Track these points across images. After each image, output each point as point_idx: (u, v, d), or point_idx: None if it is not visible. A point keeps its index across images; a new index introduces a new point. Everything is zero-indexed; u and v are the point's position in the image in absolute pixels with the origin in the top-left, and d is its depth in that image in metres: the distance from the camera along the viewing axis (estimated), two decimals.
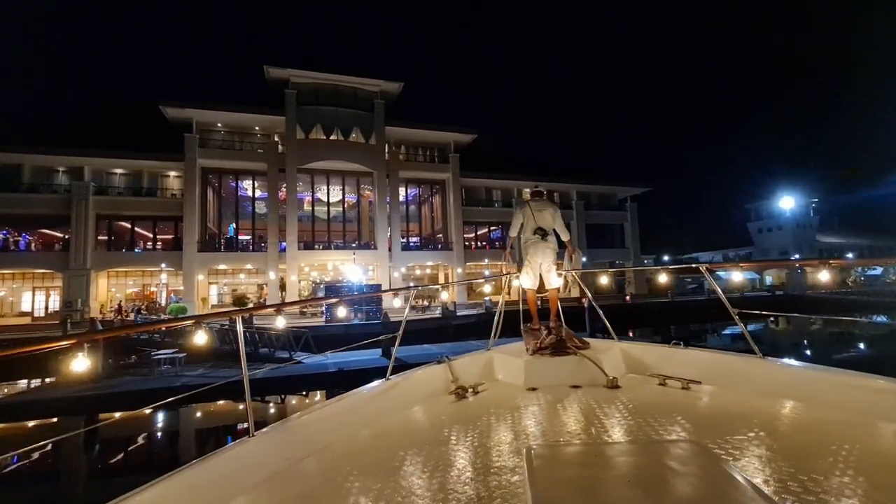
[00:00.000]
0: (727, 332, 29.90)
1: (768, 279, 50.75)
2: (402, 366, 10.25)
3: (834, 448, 1.96)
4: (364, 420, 2.77)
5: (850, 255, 45.54)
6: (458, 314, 26.09)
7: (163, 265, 27.87)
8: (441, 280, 37.20)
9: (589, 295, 4.91)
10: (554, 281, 4.51)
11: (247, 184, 32.43)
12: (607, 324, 4.47)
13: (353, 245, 33.11)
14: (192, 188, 28.50)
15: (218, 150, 30.34)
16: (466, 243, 36.66)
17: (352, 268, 27.40)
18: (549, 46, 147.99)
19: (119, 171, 29.69)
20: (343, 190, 33.51)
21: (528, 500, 1.44)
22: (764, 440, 2.13)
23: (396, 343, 3.56)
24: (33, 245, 28.88)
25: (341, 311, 21.40)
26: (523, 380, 3.51)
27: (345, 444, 2.45)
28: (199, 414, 11.53)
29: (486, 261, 36.85)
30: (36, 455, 8.41)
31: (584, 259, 5.41)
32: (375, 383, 3.23)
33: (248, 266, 31.09)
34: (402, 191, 35.41)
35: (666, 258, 50.70)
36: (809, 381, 2.76)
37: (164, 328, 15.64)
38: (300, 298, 29.87)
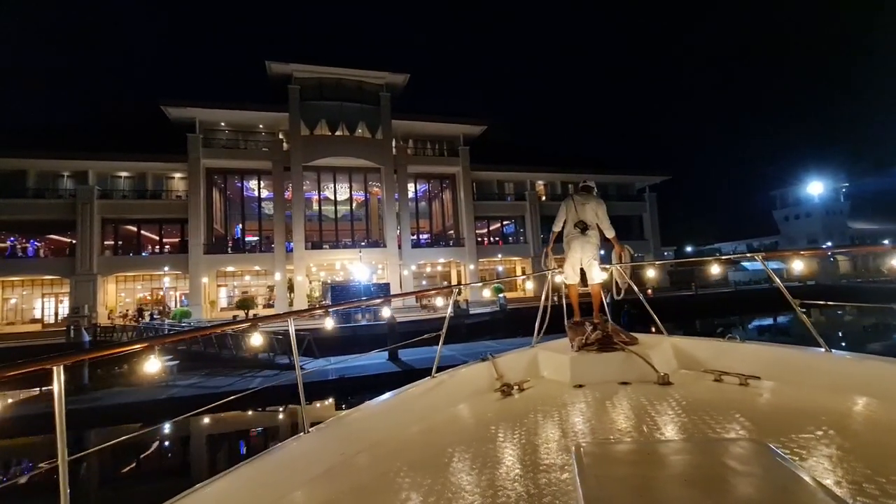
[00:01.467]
0: (754, 324, 28.37)
1: (796, 269, 48.37)
2: (409, 371, 9.37)
3: None
4: (413, 417, 2.81)
5: (885, 242, 43.06)
6: (471, 312, 25.04)
7: (165, 268, 27.38)
8: (454, 277, 36.15)
9: (637, 290, 4.57)
10: (596, 275, 4.37)
11: (252, 184, 31.79)
12: (656, 318, 4.22)
13: (363, 244, 32.25)
14: (196, 189, 27.92)
15: (222, 149, 29.72)
16: (479, 239, 35.52)
17: (358, 266, 26.45)
18: (563, 31, 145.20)
19: (123, 173, 29.30)
20: (350, 187, 32.62)
21: (579, 498, 1.37)
22: (834, 439, 2.01)
23: (441, 341, 3.49)
24: (41, 251, 28.75)
25: (346, 313, 20.50)
26: (569, 377, 3.45)
27: (395, 440, 2.50)
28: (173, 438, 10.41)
29: (500, 256, 35.70)
30: None
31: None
32: (422, 381, 3.22)
33: (256, 267, 30.49)
34: (410, 186, 34.44)
35: (689, 249, 48.75)
36: (883, 375, 2.56)
37: (220, 331, 15.09)
38: (309, 298, 29.20)
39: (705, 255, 44.10)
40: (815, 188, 50.02)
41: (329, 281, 31.93)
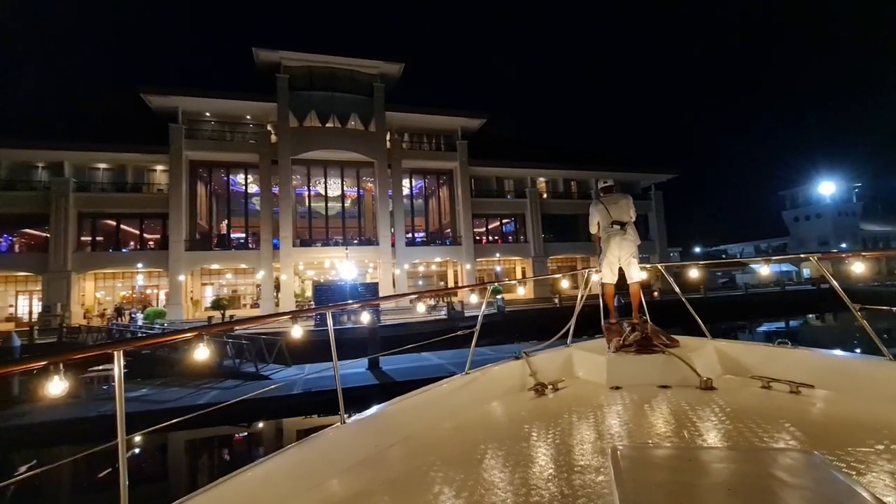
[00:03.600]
0: (762, 329, 26.88)
1: (806, 272, 46.78)
2: (388, 384, 8.50)
3: None
4: (445, 412, 2.82)
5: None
6: (466, 315, 23.50)
7: (139, 265, 25.87)
8: (450, 277, 34.64)
9: (677, 289, 4.45)
10: (635, 274, 4.28)
11: (239, 177, 30.32)
12: (699, 321, 4.05)
13: (355, 241, 30.75)
14: (178, 182, 26.45)
15: (207, 140, 28.23)
16: (477, 238, 33.97)
17: (345, 265, 24.92)
18: (568, 22, 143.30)
19: (102, 165, 27.87)
20: (342, 182, 31.14)
21: (615, 501, 1.34)
22: None
23: (474, 339, 3.40)
24: (16, 246, 27.36)
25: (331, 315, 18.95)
26: (606, 378, 3.37)
27: (428, 435, 2.53)
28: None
29: (498, 256, 34.13)
30: None
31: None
32: (455, 377, 3.22)
33: (243, 265, 28.97)
34: (405, 182, 32.93)
35: (697, 250, 47.05)
36: None
37: (258, 324, 13.74)
38: (297, 298, 27.73)
39: (712, 258, 42.47)
40: (827, 188, 48.31)
41: (322, 279, 30.52)
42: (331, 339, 2.44)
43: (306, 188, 31.18)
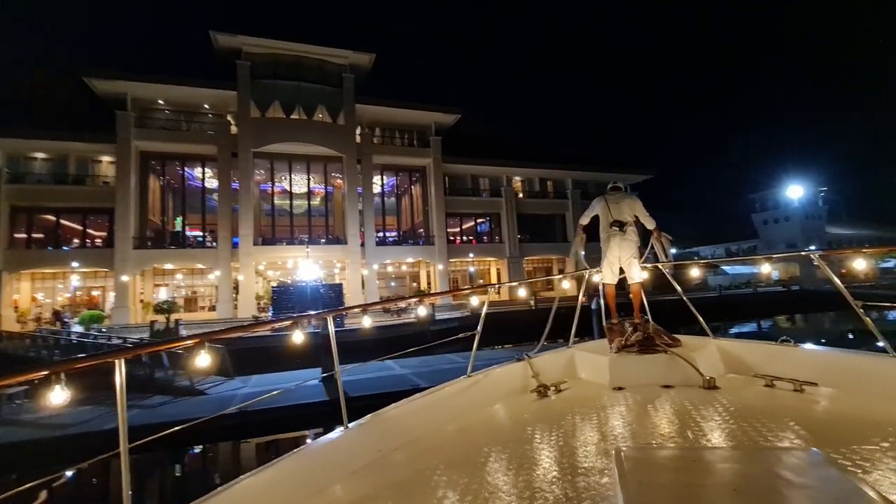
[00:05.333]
0: (734, 330, 26.72)
1: (775, 273, 47.51)
2: (347, 398, 6.09)
3: None
4: (448, 415, 2.81)
5: (865, 247, 42.29)
6: (437, 318, 22.28)
7: (75, 264, 23.61)
8: (423, 278, 33.34)
9: (679, 289, 4.34)
10: (636, 274, 4.24)
11: (196, 171, 28.29)
12: (702, 320, 3.93)
13: (322, 241, 29.14)
14: (125, 175, 24.33)
15: (159, 130, 26.17)
16: (450, 237, 32.79)
17: (307, 265, 23.31)
18: (542, 20, 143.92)
19: (40, 155, 25.39)
20: (308, 177, 29.49)
21: (619, 503, 1.34)
22: None
23: (476, 342, 3.32)
24: None
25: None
26: (608, 379, 3.36)
27: (431, 438, 2.51)
28: None
29: (472, 256, 33.03)
30: None
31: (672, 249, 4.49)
32: (457, 380, 3.14)
33: (199, 265, 26.97)
34: (376, 179, 31.54)
35: (672, 251, 46.93)
36: None
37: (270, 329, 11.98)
38: (258, 300, 25.95)
39: (685, 259, 42.54)
40: (795, 192, 49.25)
41: (282, 281, 28.79)
42: (332, 344, 2.40)
43: (270, 184, 29.38)
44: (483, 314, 3.47)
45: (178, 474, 7.85)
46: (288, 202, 29.27)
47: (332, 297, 20.57)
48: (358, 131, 29.46)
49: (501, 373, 3.44)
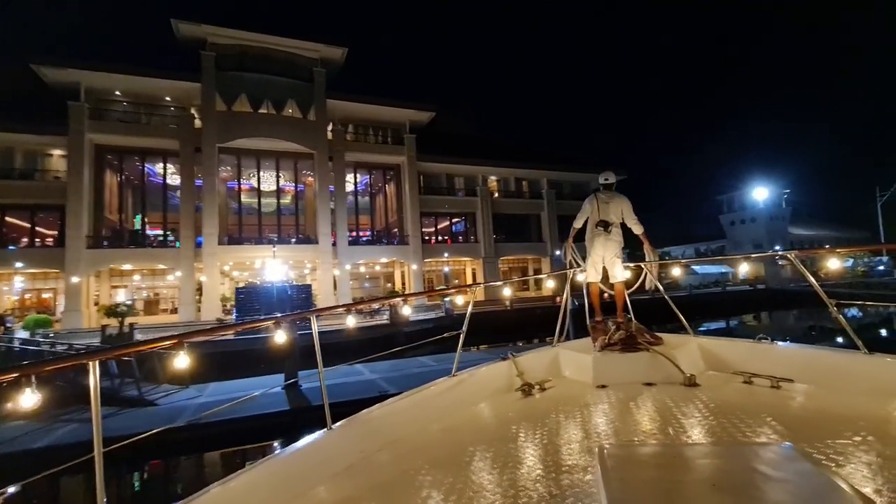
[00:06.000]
0: (703, 327, 27.22)
1: (741, 273, 48.87)
2: (305, 409, 7.49)
3: None
4: (433, 415, 2.79)
5: (826, 246, 43.91)
6: (411, 319, 21.75)
7: (17, 265, 22.01)
8: (397, 278, 32.72)
9: (661, 288, 4.37)
10: (619, 274, 4.29)
11: (158, 166, 26.88)
12: (683, 319, 4.04)
13: (292, 240, 28.17)
14: (78, 169, 22.82)
15: (117, 123, 24.70)
16: (425, 237, 32.27)
17: (273, 265, 22.39)
18: (518, 20, 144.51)
19: None
20: (277, 175, 28.46)
21: (602, 500, 1.37)
22: (873, 445, 1.92)
23: (461, 341, 3.30)
24: None
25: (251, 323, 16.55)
26: (592, 377, 3.40)
27: (416, 438, 2.50)
28: None
29: (446, 256, 32.59)
30: None
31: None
32: (442, 379, 3.14)
33: (161, 265, 25.58)
34: (349, 177, 30.71)
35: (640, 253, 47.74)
36: None
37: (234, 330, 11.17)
38: (224, 302, 24.81)
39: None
40: (761, 194, 50.80)
41: (250, 281, 27.66)
42: (315, 346, 2.39)
43: (237, 181, 28.21)
44: (468, 314, 3.45)
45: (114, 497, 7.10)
46: (256, 200, 28.13)
47: (300, 299, 19.76)
48: (330, 128, 28.61)
49: (486, 372, 3.43)
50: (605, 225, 4.21)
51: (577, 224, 4.50)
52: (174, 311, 26.43)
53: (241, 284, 24.70)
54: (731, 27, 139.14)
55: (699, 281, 42.26)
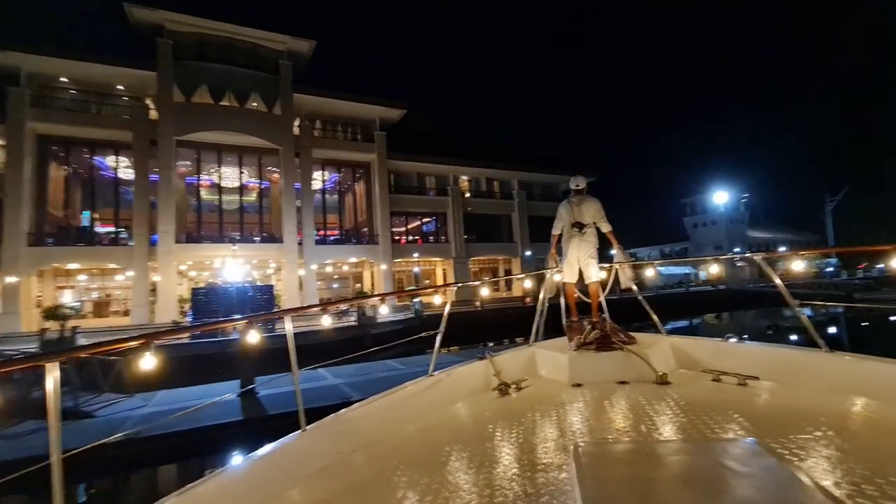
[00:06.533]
0: (668, 326, 27.87)
1: (702, 274, 50.52)
2: (262, 419, 7.65)
3: None
4: (409, 415, 2.78)
5: (782, 248, 45.97)
6: (379, 321, 21.18)
7: None
8: (366, 278, 31.99)
9: (635, 288, 4.56)
10: (594, 274, 4.40)
11: (109, 159, 25.26)
12: (656, 319, 4.23)
13: (256, 239, 27.06)
14: (17, 160, 21.09)
15: (63, 112, 22.99)
16: (395, 237, 31.70)
17: (233, 264, 21.36)
18: (491, 24, 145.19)
19: None
20: (241, 170, 27.29)
21: (576, 498, 1.40)
22: (833, 440, 1.99)
23: (438, 341, 3.33)
24: None
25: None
26: (568, 376, 3.44)
27: (392, 439, 2.48)
28: None
29: (417, 256, 32.14)
30: None
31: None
32: (419, 379, 3.16)
33: (112, 264, 24.00)
34: (317, 174, 29.82)
35: (612, 253, 48.63)
36: (883, 376, 2.55)
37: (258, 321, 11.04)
38: (181, 304, 23.49)
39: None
40: (721, 197, 52.69)
41: (211, 282, 26.35)
42: (290, 347, 2.33)
43: (196, 176, 26.84)
44: (446, 314, 3.42)
45: None
46: (217, 197, 26.87)
47: (262, 300, 18.87)
48: (297, 123, 27.65)
49: (463, 372, 3.44)
50: (580, 226, 4.35)
51: (556, 231, 4.59)
52: (126, 313, 24.85)
53: (199, 285, 23.44)
54: (701, 35, 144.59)
55: (664, 281, 43.40)
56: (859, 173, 73.22)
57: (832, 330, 21.40)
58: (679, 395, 2.87)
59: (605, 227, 4.48)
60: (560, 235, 4.60)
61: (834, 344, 2.99)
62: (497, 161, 36.21)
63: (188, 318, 19.03)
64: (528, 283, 26.95)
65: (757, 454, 1.59)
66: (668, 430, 2.31)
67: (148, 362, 2.04)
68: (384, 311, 23.27)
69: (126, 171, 25.02)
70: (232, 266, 21.19)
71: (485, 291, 24.39)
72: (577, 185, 4.56)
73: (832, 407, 2.44)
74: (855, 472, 1.66)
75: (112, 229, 25.16)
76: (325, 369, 12.12)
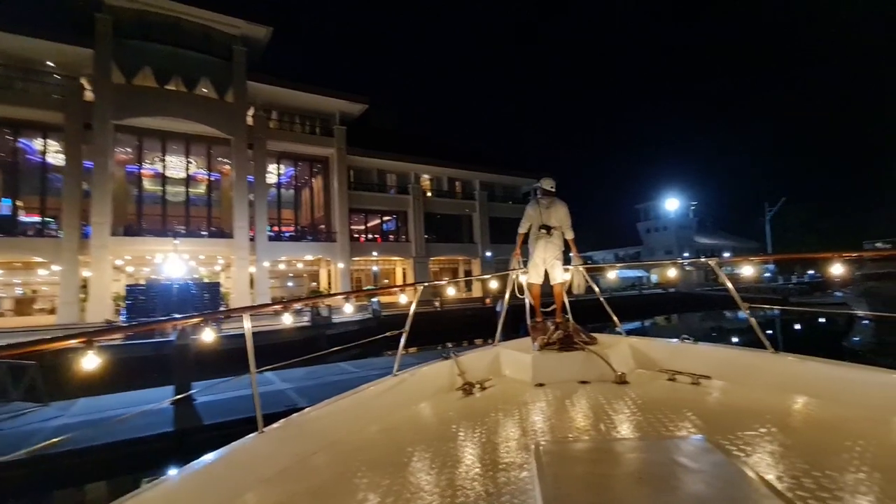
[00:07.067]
0: (623, 327, 28.66)
1: (654, 277, 52.57)
2: (195, 429, 7.30)
3: (848, 444, 1.93)
4: (372, 416, 2.77)
5: (726, 254, 48.45)
6: (335, 321, 20.41)
7: None
8: (322, 277, 30.96)
9: (597, 290, 4.71)
10: (559, 275, 4.48)
11: (36, 143, 23.02)
12: (615, 319, 4.41)
13: (204, 233, 25.50)
14: None
15: None
16: (354, 235, 30.84)
17: (174, 259, 19.94)
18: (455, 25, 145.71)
19: None
20: (188, 160, 25.63)
21: (536, 496, 1.42)
22: (776, 436, 2.10)
23: (402, 341, 3.36)
24: None
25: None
26: (531, 376, 3.49)
27: (354, 440, 2.46)
28: None
29: (375, 255, 31.43)
30: None
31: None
32: (383, 379, 3.14)
33: (37, 258, 21.81)
34: (272, 167, 28.56)
35: (570, 255, 49.68)
36: (823, 376, 2.70)
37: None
38: (116, 302, 21.70)
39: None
40: (672, 204, 55.02)
41: (151, 279, 24.55)
42: (248, 346, 2.23)
43: (138, 165, 24.95)
44: (411, 313, 3.45)
45: None
46: (161, 188, 25.11)
47: (206, 299, 17.66)
48: (251, 112, 26.30)
49: (427, 372, 3.44)
50: (548, 229, 4.40)
51: (522, 230, 4.62)
52: (53, 311, 22.72)
53: (133, 282, 21.74)
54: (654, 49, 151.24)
55: (618, 284, 44.74)
56: (794, 185, 78.82)
57: (769, 332, 22.62)
58: (637, 395, 2.95)
59: (569, 234, 4.56)
60: (526, 235, 4.62)
61: (773, 344, 3.14)
62: (460, 161, 36.05)
63: (122, 318, 17.53)
64: (495, 284, 26.88)
65: (706, 451, 1.65)
66: (625, 429, 2.37)
67: (90, 363, 1.83)
68: (349, 310, 22.52)
69: (56, 157, 22.88)
70: (174, 262, 19.70)
71: (451, 291, 24.13)
72: (550, 187, 4.60)
73: (776, 405, 2.56)
74: (795, 467, 1.75)
75: (38, 219, 22.93)
76: (272, 373, 11.32)
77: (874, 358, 13.73)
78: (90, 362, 1.81)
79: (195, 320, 10.47)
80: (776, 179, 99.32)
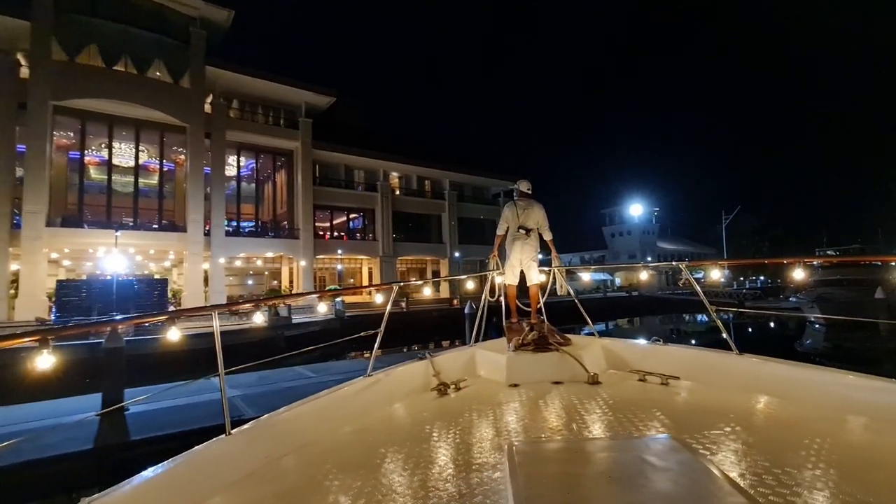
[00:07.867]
0: (585, 330, 28.94)
1: (617, 280, 53.77)
2: (124, 445, 6.68)
3: (807, 442, 2.00)
4: (345, 417, 2.74)
5: (685, 259, 49.97)
6: (295, 321, 19.41)
7: None
8: (284, 274, 29.66)
9: (572, 293, 4.85)
10: (535, 277, 4.51)
11: None
12: (588, 320, 4.46)
13: (154, 226, 23.84)
14: None
15: None
16: (319, 232, 29.72)
17: (115, 253, 18.40)
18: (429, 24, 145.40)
19: None
20: (137, 148, 23.88)
21: (508, 496, 1.43)
22: (740, 435, 2.16)
23: (377, 341, 3.26)
24: None
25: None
26: (505, 376, 3.52)
27: (325, 441, 2.43)
28: None
29: (341, 253, 30.39)
30: None
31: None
32: (357, 379, 3.11)
33: None
34: (231, 159, 27.09)
35: (540, 257, 50.06)
36: (784, 376, 2.81)
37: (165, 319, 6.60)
38: (50, 299, 19.85)
39: (546, 265, 45.84)
40: (636, 210, 56.51)
41: (89, 275, 22.67)
42: (217, 345, 2.16)
43: (80, 151, 23.01)
44: (387, 312, 3.44)
45: None
46: (106, 176, 23.27)
47: (152, 297, 16.32)
48: (209, 100, 24.83)
49: (402, 372, 3.42)
50: (526, 230, 4.43)
51: (501, 231, 4.62)
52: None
53: (73, 277, 19.97)
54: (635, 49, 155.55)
55: (583, 287, 45.37)
56: (749, 194, 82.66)
57: (724, 335, 23.30)
58: (608, 395, 2.99)
59: (548, 236, 4.58)
60: (503, 236, 4.61)
61: (726, 345, 3.23)
62: (429, 160, 35.48)
63: (52, 317, 15.95)
64: (471, 284, 26.46)
65: (674, 449, 1.70)
66: (596, 429, 2.40)
67: (46, 362, 1.73)
68: (322, 310, 21.53)
69: None
70: (116, 256, 18.13)
71: (427, 291, 23.51)
72: (527, 189, 4.62)
73: (740, 404, 2.64)
74: (758, 464, 1.81)
75: None
76: (218, 378, 10.39)
77: (826, 361, 14.11)
78: (46, 361, 1.70)
79: (164, 318, 9.39)
80: (732, 190, 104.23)
